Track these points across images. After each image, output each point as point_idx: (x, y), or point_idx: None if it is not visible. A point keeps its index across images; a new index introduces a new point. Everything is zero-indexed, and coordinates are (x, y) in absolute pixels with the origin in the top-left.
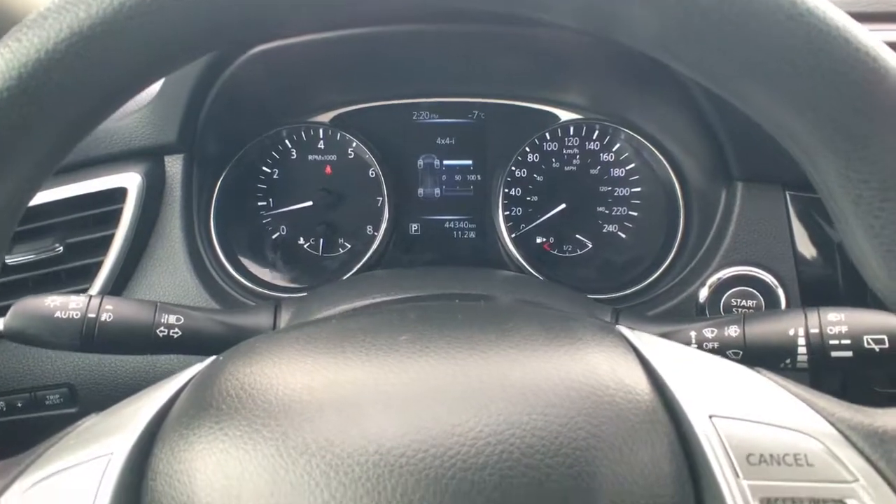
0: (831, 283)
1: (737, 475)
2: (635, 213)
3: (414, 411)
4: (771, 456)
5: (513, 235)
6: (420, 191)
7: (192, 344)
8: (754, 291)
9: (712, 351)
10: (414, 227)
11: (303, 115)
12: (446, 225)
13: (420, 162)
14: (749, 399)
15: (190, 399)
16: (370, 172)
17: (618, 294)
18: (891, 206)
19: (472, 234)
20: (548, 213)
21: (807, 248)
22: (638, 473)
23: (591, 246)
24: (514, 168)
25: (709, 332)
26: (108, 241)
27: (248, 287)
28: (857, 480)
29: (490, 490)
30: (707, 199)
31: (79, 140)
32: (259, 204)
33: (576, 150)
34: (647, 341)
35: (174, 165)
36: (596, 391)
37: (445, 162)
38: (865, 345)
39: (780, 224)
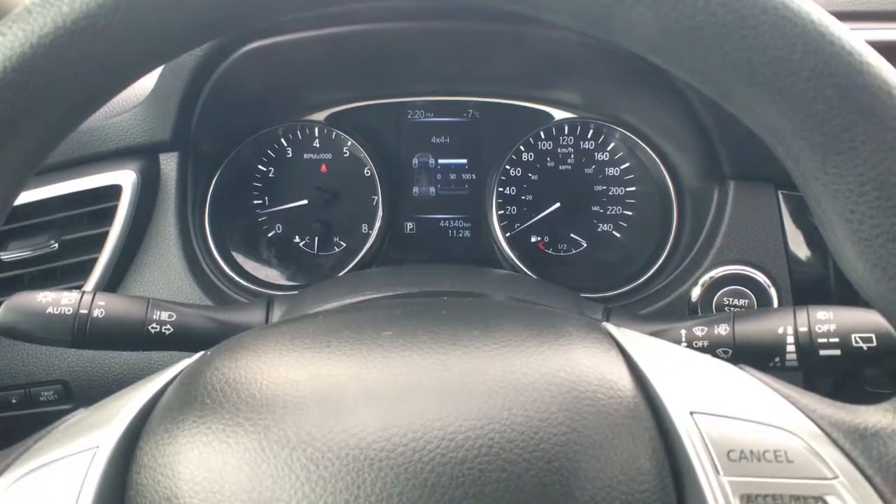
0: (823, 281)
1: (717, 471)
2: (629, 213)
3: (395, 406)
4: (751, 452)
5: (507, 234)
6: (415, 189)
7: (185, 340)
8: (746, 290)
9: (702, 349)
10: (409, 225)
11: (298, 113)
12: (441, 224)
13: (415, 160)
14: (730, 396)
15: (176, 393)
16: (365, 171)
17: (611, 293)
18: (866, 200)
19: (467, 233)
20: (542, 212)
21: (799, 247)
22: (618, 469)
23: (585, 245)
24: (508, 167)
25: (699, 331)
26: (103, 238)
27: (243, 285)
28: (837, 477)
29: (469, 484)
30: (700, 197)
31: (64, 136)
32: (254, 202)
33: (570, 149)
34: (632, 338)
35: (169, 163)
36: (577, 387)
37: (440, 160)
38: (853, 343)
39: (773, 223)
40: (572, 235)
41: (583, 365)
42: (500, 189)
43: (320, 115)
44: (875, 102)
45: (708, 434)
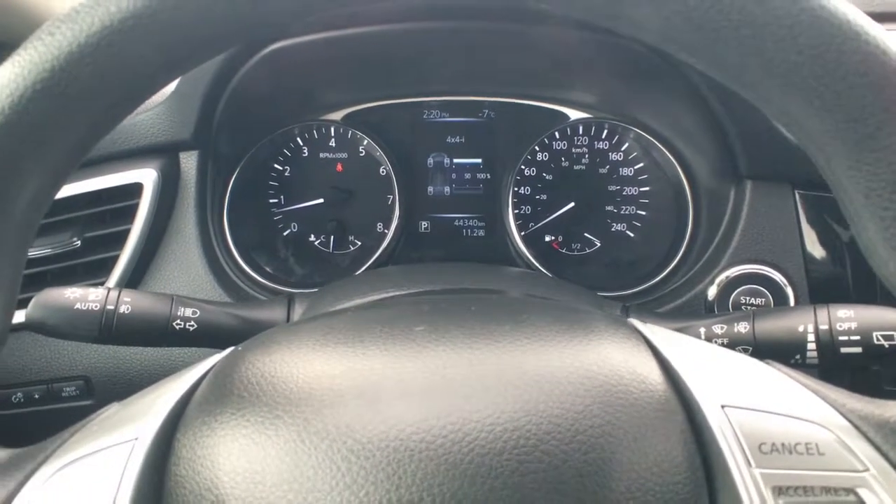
0: (840, 281)
1: (749, 464)
2: (644, 212)
3: (432, 398)
4: (783, 445)
5: (522, 233)
6: (430, 188)
7: (207, 337)
8: (763, 289)
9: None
10: (424, 224)
11: (315, 112)
12: (455, 223)
13: (430, 160)
14: (760, 390)
15: (211, 387)
16: (381, 170)
17: (627, 292)
18: None
19: (482, 232)
20: (557, 211)
21: (816, 247)
22: (651, 461)
23: (599, 244)
24: (523, 166)
25: (718, 329)
26: (124, 235)
27: (260, 282)
28: (867, 470)
29: (507, 474)
30: (716, 197)
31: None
32: (271, 201)
33: (585, 149)
34: (659, 333)
35: (189, 162)
36: (610, 381)
37: (455, 160)
38: (875, 341)
39: (789, 222)
40: (586, 235)
41: (614, 359)
42: (516, 188)
43: (337, 115)
44: None
45: (740, 427)
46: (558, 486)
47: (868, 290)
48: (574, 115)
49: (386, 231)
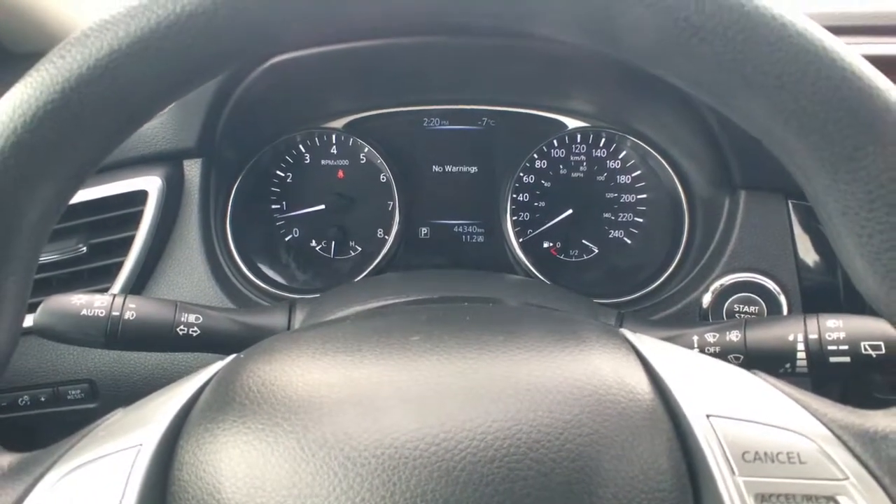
0: (832, 289)
1: (732, 472)
2: (640, 220)
3: (426, 407)
4: (765, 454)
5: (520, 240)
6: (429, 195)
7: (210, 342)
8: (756, 297)
9: (714, 355)
10: (423, 230)
11: (317, 121)
12: (455, 229)
13: (430, 167)
14: (745, 400)
15: (213, 395)
16: (381, 177)
17: (623, 298)
18: (876, 216)
19: (480, 238)
20: (555, 218)
21: (808, 256)
22: (638, 469)
23: (596, 251)
24: (521, 174)
25: (711, 337)
26: (129, 241)
27: (263, 288)
28: (847, 478)
29: (498, 481)
30: (711, 206)
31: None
32: (273, 207)
33: (583, 157)
34: (649, 344)
35: (193, 169)
36: (599, 391)
37: (455, 167)
38: (863, 351)
39: (783, 232)
40: (584, 241)
41: (603, 370)
42: (514, 195)
43: (338, 123)
44: (883, 124)
45: (724, 436)
46: (547, 493)
47: (858, 298)
48: (572, 123)
49: (386, 237)
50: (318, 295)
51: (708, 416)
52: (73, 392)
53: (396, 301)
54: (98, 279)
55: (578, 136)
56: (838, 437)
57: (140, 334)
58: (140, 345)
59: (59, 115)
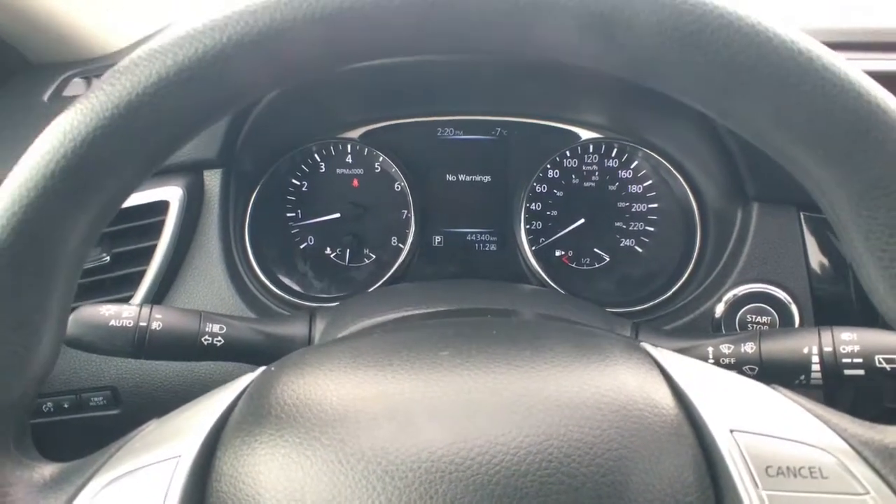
0: (844, 300)
1: (756, 486)
2: (652, 228)
3: (460, 422)
4: (788, 468)
5: (533, 248)
6: (443, 204)
7: (233, 351)
8: (769, 308)
9: (729, 366)
10: (437, 238)
11: (333, 131)
12: (468, 237)
13: (444, 176)
14: (767, 415)
15: (248, 407)
16: (396, 186)
17: (635, 308)
18: None
19: (494, 247)
20: (567, 227)
21: (820, 267)
22: (665, 482)
23: (609, 259)
24: (535, 184)
25: (726, 348)
26: (150, 251)
27: (281, 296)
28: (868, 493)
29: (532, 495)
30: (723, 217)
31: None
32: (289, 215)
33: (595, 168)
34: (670, 358)
35: (213, 180)
36: (626, 406)
37: (469, 177)
38: (877, 364)
39: (795, 243)
40: (596, 250)
41: (629, 385)
42: (527, 205)
43: (354, 133)
44: None
45: (747, 450)
46: None
47: (872, 310)
48: (585, 134)
49: (401, 245)
50: (336, 304)
51: (731, 431)
52: (96, 399)
53: (415, 312)
54: (120, 288)
55: (591, 147)
56: (858, 453)
57: (166, 344)
58: (166, 354)
59: (107, 140)
